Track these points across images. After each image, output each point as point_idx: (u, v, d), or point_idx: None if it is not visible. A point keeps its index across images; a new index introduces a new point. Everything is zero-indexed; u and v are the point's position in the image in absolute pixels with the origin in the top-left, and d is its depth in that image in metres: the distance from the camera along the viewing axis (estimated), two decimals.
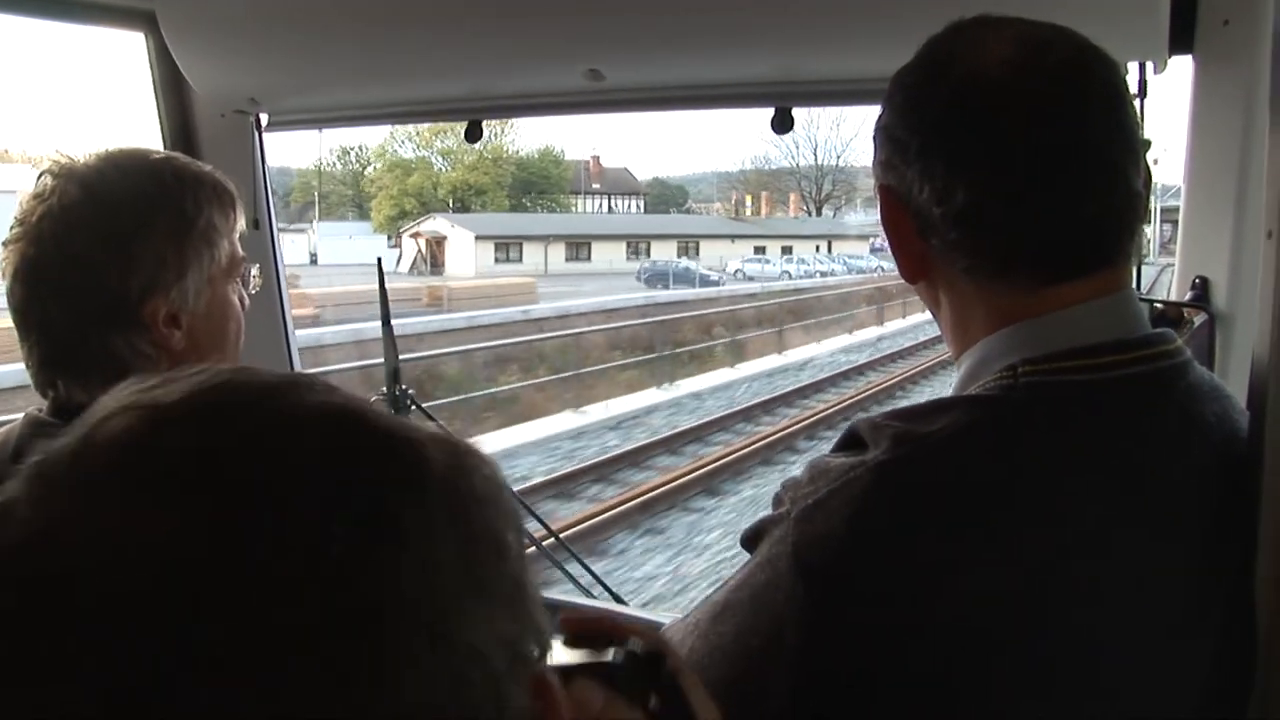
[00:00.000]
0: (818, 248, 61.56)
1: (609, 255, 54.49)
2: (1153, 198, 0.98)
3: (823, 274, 51.29)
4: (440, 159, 62.75)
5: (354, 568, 0.42)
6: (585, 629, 0.65)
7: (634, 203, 70.27)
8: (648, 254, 55.60)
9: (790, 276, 49.35)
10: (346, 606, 0.42)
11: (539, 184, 66.27)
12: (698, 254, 56.71)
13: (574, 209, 67.20)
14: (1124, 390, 0.89)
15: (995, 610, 0.83)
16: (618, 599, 1.99)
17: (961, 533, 0.84)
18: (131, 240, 1.21)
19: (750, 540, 0.94)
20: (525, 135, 65.96)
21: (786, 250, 59.94)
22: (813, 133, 71.84)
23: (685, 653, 0.92)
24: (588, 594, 1.99)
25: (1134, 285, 0.96)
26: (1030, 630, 0.83)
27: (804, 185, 75.57)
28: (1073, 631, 0.84)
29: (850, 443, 0.92)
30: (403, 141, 63.11)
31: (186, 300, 1.24)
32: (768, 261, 54.26)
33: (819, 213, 73.03)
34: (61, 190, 1.20)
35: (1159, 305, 1.41)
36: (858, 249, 61.39)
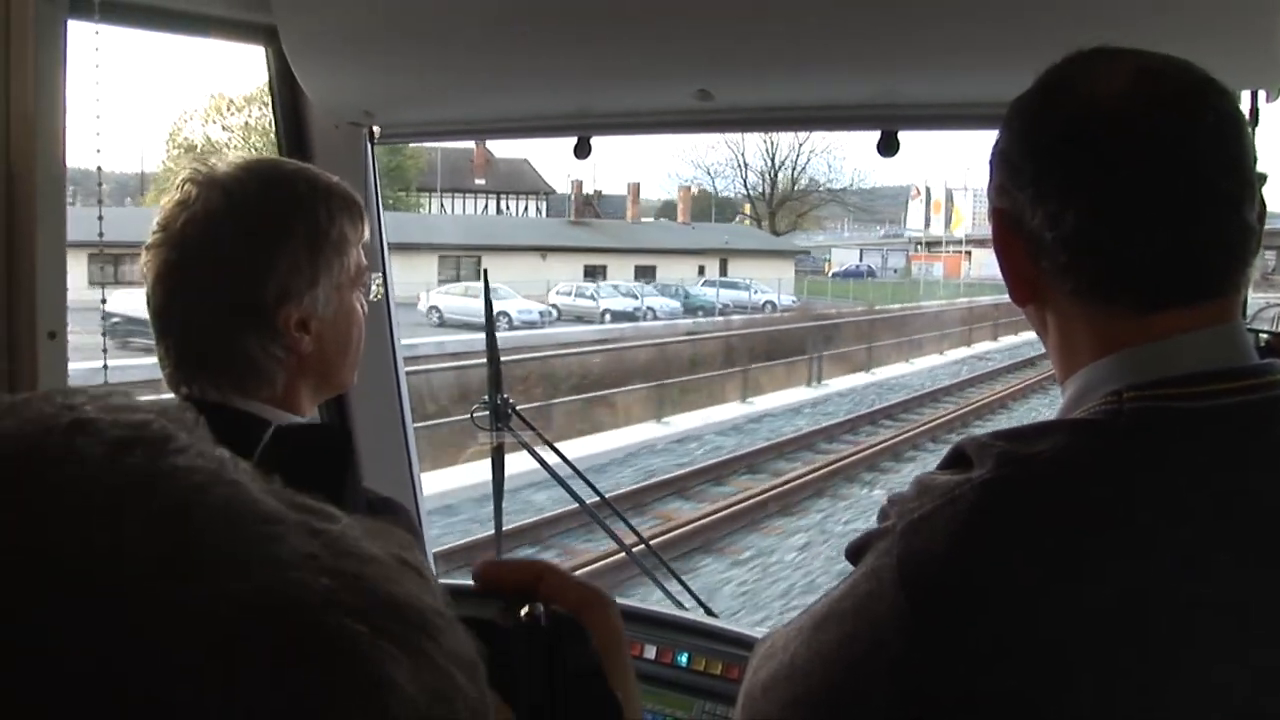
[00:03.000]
0: (701, 269, 45.19)
1: None
2: None
3: (628, 316, 32.74)
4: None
5: None
6: (500, 577, 0.50)
7: (533, 205, 52.84)
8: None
9: (511, 322, 28.13)
10: None
11: None
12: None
13: (422, 209, 49.38)
14: (1228, 418, 0.89)
15: (1093, 629, 0.84)
16: (709, 611, 2.01)
17: (1062, 552, 0.86)
18: (271, 247, 1.26)
19: (855, 553, 0.96)
20: None
21: (645, 272, 42.98)
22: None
23: (789, 658, 0.95)
24: (679, 605, 2.01)
25: (1241, 315, 0.96)
26: (1126, 651, 0.84)
27: (751, 186, 59.56)
28: (1168, 654, 0.84)
29: (956, 461, 0.94)
30: (211, 115, 45.08)
31: (317, 306, 1.29)
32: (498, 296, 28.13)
33: (772, 226, 57.57)
34: (205, 197, 1.25)
35: (1265, 336, 1.40)
36: (775, 271, 45.05)
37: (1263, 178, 0.94)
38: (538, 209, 52.59)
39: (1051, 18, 1.35)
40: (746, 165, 59.24)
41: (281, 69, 1.95)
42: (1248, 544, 0.86)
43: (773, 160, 58.49)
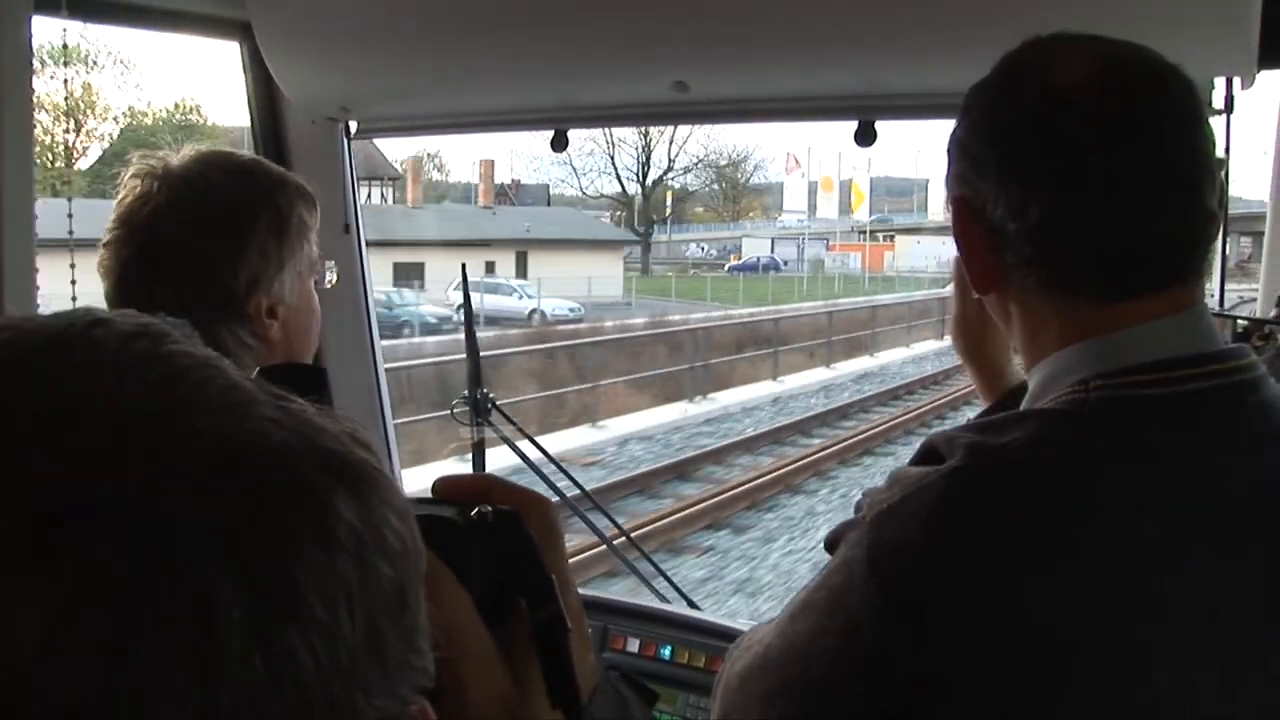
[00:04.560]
0: (490, 265, 35.84)
1: None
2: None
3: None
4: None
5: (239, 648, 0.35)
6: (458, 487, 0.60)
7: (381, 192, 44.23)
8: None
9: None
10: (238, 690, 0.35)
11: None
12: None
13: None
14: (1195, 404, 0.89)
15: (1063, 618, 0.85)
16: (691, 604, 2.01)
17: (1032, 542, 0.86)
18: (241, 235, 1.27)
19: (831, 544, 0.97)
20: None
21: (408, 272, 34.30)
22: None
23: (764, 650, 0.95)
24: (662, 598, 2.01)
25: (1204, 301, 0.96)
26: (1098, 639, 0.84)
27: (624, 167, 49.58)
28: (1141, 642, 0.85)
29: (927, 455, 0.94)
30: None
31: (284, 293, 1.31)
32: None
33: (645, 213, 49.15)
34: (167, 190, 1.26)
35: (1243, 322, 1.41)
36: (604, 266, 37.70)
37: (1222, 162, 0.94)
38: (383, 196, 44.38)
39: (1031, 6, 1.35)
40: (618, 142, 49.83)
41: (256, 65, 1.93)
42: (1212, 534, 0.86)
43: (646, 136, 48.75)
